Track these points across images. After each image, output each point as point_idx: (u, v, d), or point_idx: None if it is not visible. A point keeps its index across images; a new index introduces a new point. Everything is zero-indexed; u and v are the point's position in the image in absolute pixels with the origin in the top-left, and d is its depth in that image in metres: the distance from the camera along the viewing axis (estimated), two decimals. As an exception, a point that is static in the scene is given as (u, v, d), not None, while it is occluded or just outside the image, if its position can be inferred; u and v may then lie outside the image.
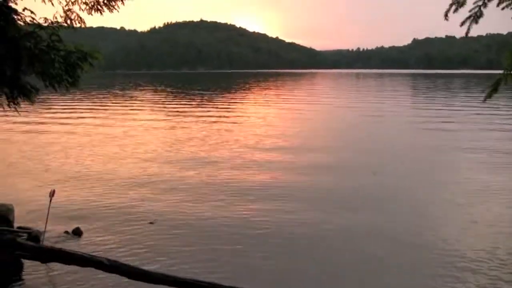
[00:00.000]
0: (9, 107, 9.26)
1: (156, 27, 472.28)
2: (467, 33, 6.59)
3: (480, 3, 6.33)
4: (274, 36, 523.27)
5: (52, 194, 9.70)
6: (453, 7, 6.35)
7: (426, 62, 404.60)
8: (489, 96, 6.55)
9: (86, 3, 9.59)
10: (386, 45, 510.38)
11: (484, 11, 6.49)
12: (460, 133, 26.29)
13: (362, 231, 10.91)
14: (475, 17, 6.43)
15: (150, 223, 11.37)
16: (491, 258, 9.15)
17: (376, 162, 18.54)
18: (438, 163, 18.66)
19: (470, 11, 6.45)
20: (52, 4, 9.43)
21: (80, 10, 9.68)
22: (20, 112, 9.70)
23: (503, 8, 6.31)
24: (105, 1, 9.55)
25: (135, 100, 54.06)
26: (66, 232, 10.54)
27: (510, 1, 6.24)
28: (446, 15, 6.43)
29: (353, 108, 42.95)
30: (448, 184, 15.23)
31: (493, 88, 6.38)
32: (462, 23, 6.50)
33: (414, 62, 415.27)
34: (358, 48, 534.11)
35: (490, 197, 13.60)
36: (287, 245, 10.07)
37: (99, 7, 9.60)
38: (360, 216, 12.04)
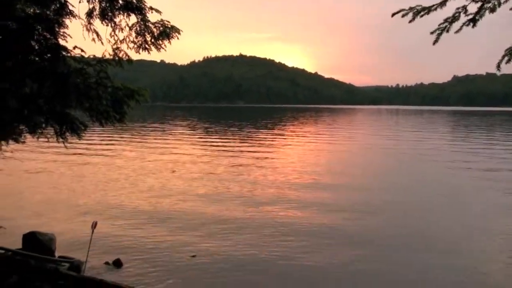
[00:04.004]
0: (57, 142, 9.53)
1: (196, 61, 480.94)
2: None
3: None
4: (313, 72, 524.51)
5: (94, 225, 9.75)
6: (506, 58, 6.35)
7: (466, 99, 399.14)
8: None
9: (134, 42, 9.87)
10: (426, 82, 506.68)
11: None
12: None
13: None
14: None
15: (192, 256, 11.45)
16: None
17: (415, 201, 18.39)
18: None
19: None
20: (102, 43, 9.73)
21: (128, 48, 9.96)
22: (67, 146, 9.92)
23: None
24: (153, 41, 9.81)
25: (175, 133, 54.63)
26: (107, 263, 10.73)
27: None
28: (498, 66, 6.45)
29: (395, 149, 42.45)
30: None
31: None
32: None
33: (454, 99, 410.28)
34: (398, 85, 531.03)
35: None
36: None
37: (146, 46, 9.87)
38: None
